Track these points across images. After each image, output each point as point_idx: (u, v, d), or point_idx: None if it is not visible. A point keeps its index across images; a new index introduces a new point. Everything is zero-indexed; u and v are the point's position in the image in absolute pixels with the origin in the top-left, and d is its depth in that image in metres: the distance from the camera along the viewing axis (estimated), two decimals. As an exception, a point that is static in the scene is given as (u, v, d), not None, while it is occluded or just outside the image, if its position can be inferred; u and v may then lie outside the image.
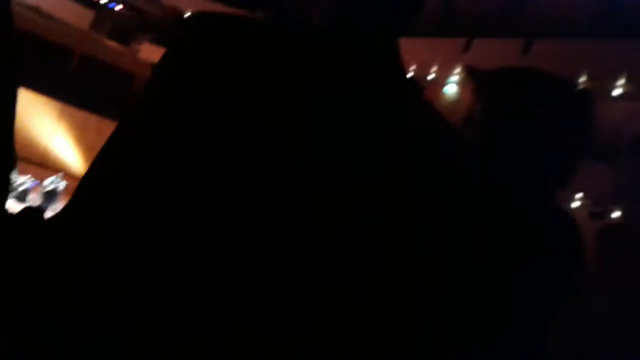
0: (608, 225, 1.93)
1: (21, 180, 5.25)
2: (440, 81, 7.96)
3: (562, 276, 1.26)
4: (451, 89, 7.46)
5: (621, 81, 5.88)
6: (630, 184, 1.81)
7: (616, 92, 5.98)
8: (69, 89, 9.83)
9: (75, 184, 0.71)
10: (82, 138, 9.09)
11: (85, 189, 0.69)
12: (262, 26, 0.76)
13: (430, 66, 7.87)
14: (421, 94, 0.84)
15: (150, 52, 11.02)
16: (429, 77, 7.97)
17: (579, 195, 5.61)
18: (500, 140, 1.28)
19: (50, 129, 9.37)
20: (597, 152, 2.30)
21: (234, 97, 0.70)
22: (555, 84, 1.29)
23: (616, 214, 2.05)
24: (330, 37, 0.76)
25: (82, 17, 13.56)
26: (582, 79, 6.13)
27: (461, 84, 7.29)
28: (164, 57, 0.72)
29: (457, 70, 7.31)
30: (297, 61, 0.74)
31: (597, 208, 2.01)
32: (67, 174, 5.96)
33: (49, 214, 0.73)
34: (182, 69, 0.71)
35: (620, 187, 1.83)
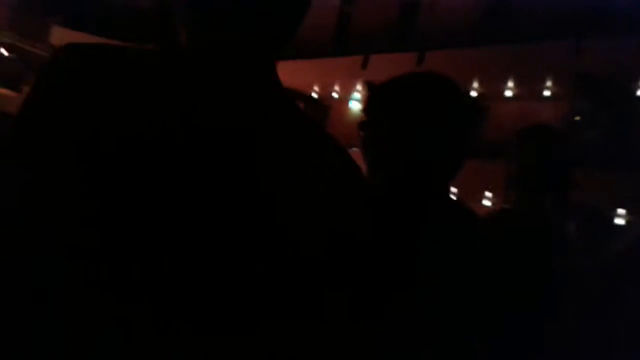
0: (497, 210, 2.08)
1: None
2: (344, 98, 8.15)
3: (466, 263, 1.36)
4: (355, 105, 7.66)
5: (510, 83, 6.21)
6: (517, 172, 1.96)
7: (508, 93, 6.30)
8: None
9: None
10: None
11: None
12: (134, 52, 0.76)
13: (333, 85, 8.04)
14: (295, 107, 0.88)
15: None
16: (334, 95, 8.15)
17: (488, 193, 5.87)
18: (384, 144, 1.36)
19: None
20: (495, 149, 2.46)
21: (110, 119, 0.68)
22: (436, 87, 1.38)
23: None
24: (200, 58, 0.79)
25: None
26: (475, 84, 6.44)
27: (363, 99, 7.50)
28: (34, 89, 0.72)
29: (359, 86, 7.52)
30: (167, 80, 0.74)
31: (502, 202, 2.15)
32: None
33: None
34: (52, 98, 0.69)
35: (509, 177, 1.98)
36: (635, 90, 5.36)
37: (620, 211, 4.65)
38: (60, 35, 9.64)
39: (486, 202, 5.90)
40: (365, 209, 0.91)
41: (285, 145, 0.79)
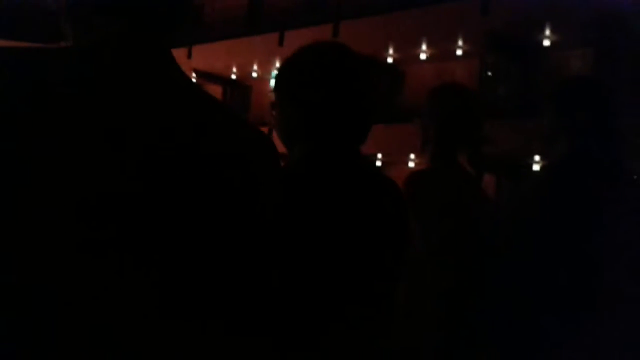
0: (414, 171, 2.15)
1: None
2: (264, 77, 8.14)
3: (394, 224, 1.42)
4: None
5: (424, 46, 6.34)
6: (431, 132, 2.03)
7: (422, 56, 6.44)
8: None
9: None
10: None
11: None
12: (35, 52, 0.74)
13: (251, 65, 8.01)
14: (193, 86, 0.86)
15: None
16: (253, 75, 8.12)
17: (412, 155, 6.03)
18: (290, 120, 1.40)
19: None
20: (415, 112, 2.53)
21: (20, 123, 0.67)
22: (330, 56, 1.42)
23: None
24: (95, 53, 0.77)
25: None
26: (390, 50, 6.56)
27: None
28: None
29: (277, 64, 7.52)
30: (68, 79, 0.72)
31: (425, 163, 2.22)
32: None
33: None
34: None
35: (425, 137, 2.05)
36: (542, 41, 5.59)
37: (537, 158, 4.88)
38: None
39: (411, 164, 6.06)
40: (285, 188, 0.92)
41: (198, 134, 0.79)
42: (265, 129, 1.35)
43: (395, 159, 6.10)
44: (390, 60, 6.71)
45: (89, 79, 0.75)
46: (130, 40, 0.82)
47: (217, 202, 0.77)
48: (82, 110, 0.72)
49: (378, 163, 6.30)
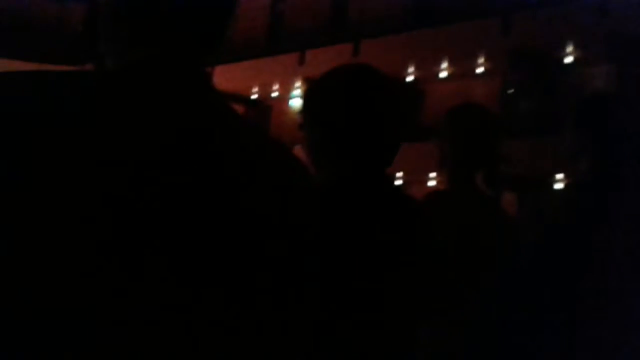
0: (432, 192, 2.15)
1: None
2: (284, 97, 8.18)
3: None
4: (296, 102, 7.71)
5: (444, 64, 6.34)
6: (448, 152, 2.04)
7: (442, 74, 6.43)
8: None
9: None
10: None
11: None
12: (68, 76, 0.76)
13: (272, 85, 8.07)
14: (234, 112, 0.88)
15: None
16: (273, 95, 8.16)
17: (432, 174, 6.00)
18: (320, 142, 1.41)
19: None
20: (435, 131, 2.52)
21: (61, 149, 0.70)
22: (358, 78, 1.43)
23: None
24: (133, 76, 0.78)
25: None
26: (410, 68, 6.57)
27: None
28: None
29: (298, 83, 7.55)
30: (107, 102, 0.74)
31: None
32: None
33: None
34: None
35: (442, 157, 2.05)
36: (563, 58, 5.56)
37: (560, 176, 4.83)
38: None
39: (432, 183, 6.04)
40: (316, 204, 0.93)
41: (234, 152, 0.80)
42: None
43: (415, 177, 6.08)
44: (410, 78, 6.72)
45: (124, 102, 0.76)
46: (170, 63, 0.83)
47: (253, 215, 0.78)
48: (118, 132, 0.73)
49: (398, 182, 6.29)
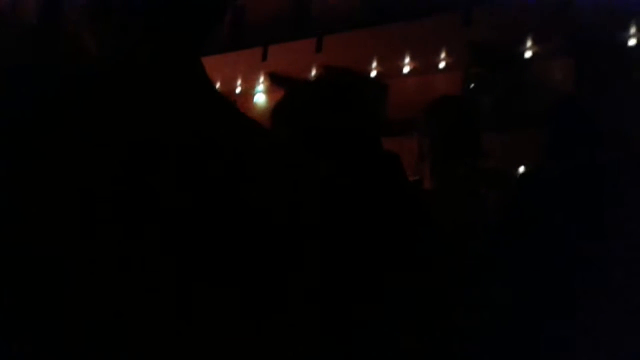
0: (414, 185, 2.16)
1: None
2: (248, 92, 8.14)
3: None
4: (260, 98, 7.67)
5: (408, 59, 6.38)
6: (428, 146, 2.04)
7: (405, 69, 6.47)
8: None
9: None
10: None
11: None
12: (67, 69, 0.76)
13: (235, 80, 8.01)
14: (230, 105, 0.89)
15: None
16: (237, 91, 8.11)
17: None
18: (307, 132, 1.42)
19: None
20: (401, 125, 2.54)
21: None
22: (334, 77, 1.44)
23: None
24: (134, 68, 0.78)
25: None
26: (374, 64, 6.58)
27: (267, 91, 7.53)
28: None
29: (261, 79, 7.52)
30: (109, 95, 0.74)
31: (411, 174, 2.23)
32: None
33: None
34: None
35: (421, 151, 2.06)
36: (524, 52, 5.64)
37: (521, 169, 4.90)
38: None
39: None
40: (317, 198, 0.94)
41: (238, 140, 0.82)
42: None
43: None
44: (373, 73, 6.74)
45: (122, 97, 0.75)
46: (164, 52, 0.81)
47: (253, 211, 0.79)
48: (114, 124, 0.73)
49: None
